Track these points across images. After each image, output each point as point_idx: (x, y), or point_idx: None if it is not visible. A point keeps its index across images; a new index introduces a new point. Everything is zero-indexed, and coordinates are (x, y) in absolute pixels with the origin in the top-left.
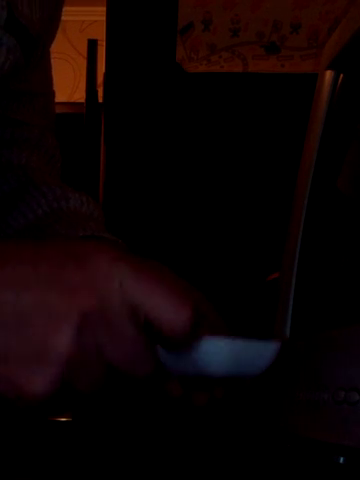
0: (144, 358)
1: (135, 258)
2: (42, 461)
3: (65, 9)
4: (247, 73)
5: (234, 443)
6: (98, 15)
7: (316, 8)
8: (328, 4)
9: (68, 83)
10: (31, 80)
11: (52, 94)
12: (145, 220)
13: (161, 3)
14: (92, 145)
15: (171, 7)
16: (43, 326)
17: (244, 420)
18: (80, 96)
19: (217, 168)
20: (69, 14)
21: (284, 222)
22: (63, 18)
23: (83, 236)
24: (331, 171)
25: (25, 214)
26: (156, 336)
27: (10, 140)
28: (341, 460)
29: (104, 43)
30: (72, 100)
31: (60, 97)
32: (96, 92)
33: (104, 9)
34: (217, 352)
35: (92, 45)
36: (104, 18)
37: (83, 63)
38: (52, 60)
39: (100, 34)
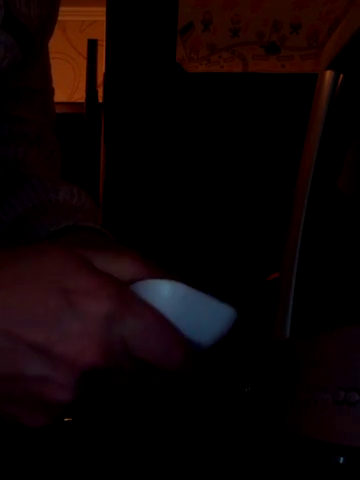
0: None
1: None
2: (42, 461)
3: (65, 9)
4: (247, 73)
5: (234, 443)
6: (98, 15)
7: (316, 8)
8: (328, 4)
9: (68, 83)
10: (29, 76)
11: (51, 91)
12: (145, 220)
13: (161, 3)
14: (92, 145)
15: (171, 7)
16: None
17: (244, 420)
18: (80, 96)
19: (217, 168)
20: (69, 14)
21: (284, 222)
22: (63, 18)
23: (65, 227)
24: (331, 171)
25: (16, 208)
26: None
27: (8, 136)
28: (341, 460)
29: (104, 43)
30: (72, 100)
31: (60, 97)
32: (96, 92)
33: (104, 9)
34: (170, 296)
35: (92, 45)
36: (104, 18)
37: (83, 63)
38: (52, 60)
39: (100, 34)
